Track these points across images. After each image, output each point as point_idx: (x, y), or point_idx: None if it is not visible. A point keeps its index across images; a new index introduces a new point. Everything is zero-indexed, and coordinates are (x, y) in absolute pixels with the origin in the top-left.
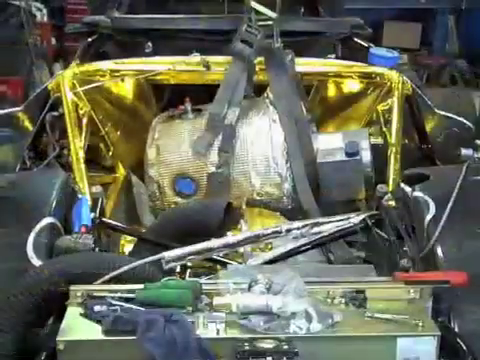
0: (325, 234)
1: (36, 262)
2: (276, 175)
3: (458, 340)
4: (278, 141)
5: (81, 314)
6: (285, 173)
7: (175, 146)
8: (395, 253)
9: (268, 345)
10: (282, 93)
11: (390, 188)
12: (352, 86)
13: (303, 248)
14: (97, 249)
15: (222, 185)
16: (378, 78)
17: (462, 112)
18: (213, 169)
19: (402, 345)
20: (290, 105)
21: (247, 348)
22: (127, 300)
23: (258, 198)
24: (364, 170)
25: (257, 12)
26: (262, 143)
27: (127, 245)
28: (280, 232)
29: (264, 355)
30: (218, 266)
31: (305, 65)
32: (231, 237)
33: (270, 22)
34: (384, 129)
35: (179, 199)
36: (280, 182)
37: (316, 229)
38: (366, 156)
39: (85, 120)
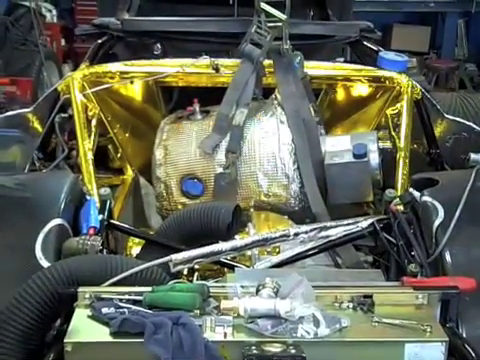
0: (333, 238)
1: (44, 263)
2: (283, 176)
3: (466, 346)
4: (286, 142)
5: (89, 316)
6: (292, 174)
7: (183, 147)
8: (403, 258)
9: (275, 349)
10: (290, 94)
11: (399, 192)
12: (361, 90)
13: (311, 252)
14: (105, 251)
15: (229, 186)
16: (387, 82)
17: (471, 117)
18: (220, 170)
19: (410, 351)
20: (298, 106)
21: (254, 352)
22: (135, 302)
23: (265, 199)
24: (372, 172)
25: (267, 14)
26: (270, 144)
27: (135, 247)
28: (288, 236)
29: (271, 359)
30: (226, 269)
31: (314, 68)
32: (239, 240)
33: (279, 24)
34: (393, 133)
35: (186, 200)
36: (287, 183)
37: (324, 233)
38: (374, 158)
39: (94, 122)
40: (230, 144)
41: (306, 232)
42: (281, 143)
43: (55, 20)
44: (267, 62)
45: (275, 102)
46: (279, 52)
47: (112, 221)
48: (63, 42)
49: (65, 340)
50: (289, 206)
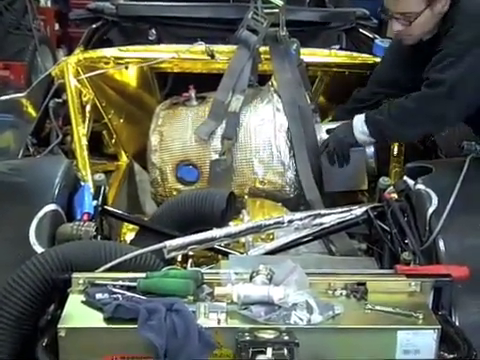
0: (327, 225)
1: (38, 249)
2: (279, 163)
3: (456, 333)
4: (282, 129)
5: (83, 301)
6: (288, 162)
7: (178, 133)
8: (397, 246)
9: (269, 335)
10: (286, 82)
11: (393, 180)
12: (356, 78)
13: (305, 239)
14: (99, 237)
15: (224, 172)
16: None
17: None
18: (216, 156)
19: (402, 338)
20: (294, 94)
21: (248, 338)
22: (129, 288)
23: (261, 186)
24: (367, 160)
25: (263, 0)
26: (266, 131)
27: (129, 233)
28: (282, 223)
29: (265, 345)
30: (220, 256)
31: (309, 55)
32: (233, 227)
33: (276, 10)
34: None
35: (181, 186)
36: (283, 171)
37: (318, 220)
38: (369, 146)
39: (88, 107)
40: (226, 131)
41: (300, 219)
42: (277, 130)
43: (49, 4)
44: (263, 49)
45: (271, 89)
46: (276, 39)
47: (106, 207)
48: (57, 27)
49: (59, 325)
50: (284, 193)
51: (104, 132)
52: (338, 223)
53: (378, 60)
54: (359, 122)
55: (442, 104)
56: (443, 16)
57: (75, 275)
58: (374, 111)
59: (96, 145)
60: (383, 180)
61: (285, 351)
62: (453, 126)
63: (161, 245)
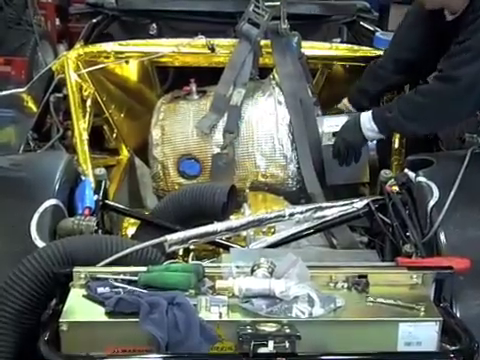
0: (328, 218)
1: (40, 243)
2: (281, 157)
3: (457, 325)
4: (283, 123)
5: (84, 295)
6: (290, 155)
7: (180, 127)
8: (398, 238)
9: (270, 328)
10: (288, 75)
11: (394, 173)
12: (357, 70)
13: (306, 232)
14: (100, 231)
15: (226, 166)
16: None
17: None
18: (218, 150)
19: (404, 330)
20: (295, 87)
21: (249, 331)
22: (130, 282)
23: (263, 180)
24: (368, 153)
25: None
26: (267, 124)
27: (130, 227)
28: (283, 216)
29: (266, 338)
30: (221, 249)
31: (311, 49)
32: (234, 221)
33: (277, 3)
34: None
35: (183, 180)
36: (285, 164)
37: (319, 213)
38: None
39: (89, 102)
40: (227, 124)
41: (301, 212)
42: (279, 124)
43: None
44: (264, 42)
45: (273, 82)
46: (277, 32)
47: (107, 201)
48: (57, 21)
49: (60, 320)
50: (286, 187)
51: (105, 126)
52: (339, 216)
53: (379, 53)
54: (366, 120)
55: (456, 101)
56: (471, 1)
57: (76, 269)
58: (381, 108)
59: (97, 140)
60: (384, 173)
61: (287, 344)
62: (464, 120)
63: (162, 239)
